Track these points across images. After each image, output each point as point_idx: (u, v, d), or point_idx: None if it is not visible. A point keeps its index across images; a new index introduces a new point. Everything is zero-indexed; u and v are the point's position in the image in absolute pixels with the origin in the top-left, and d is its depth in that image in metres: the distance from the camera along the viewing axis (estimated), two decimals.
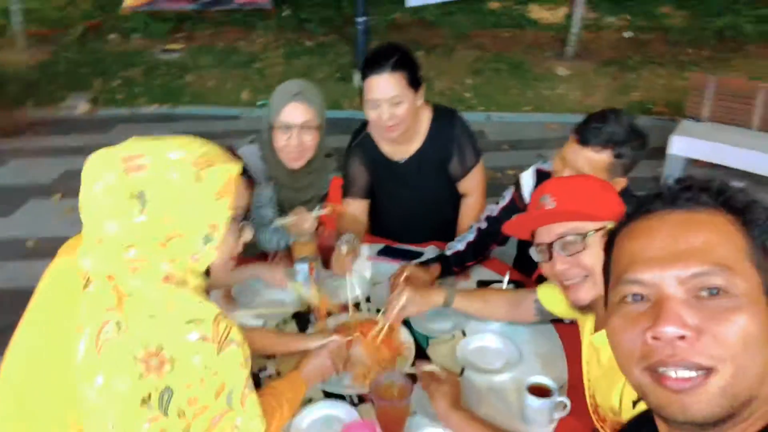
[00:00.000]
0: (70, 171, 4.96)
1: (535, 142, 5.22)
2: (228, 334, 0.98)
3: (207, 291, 1.10)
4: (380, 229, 2.20)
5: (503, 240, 2.00)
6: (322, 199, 2.15)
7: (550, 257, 1.30)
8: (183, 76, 6.96)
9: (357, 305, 1.78)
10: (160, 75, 6.99)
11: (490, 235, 1.98)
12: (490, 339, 1.64)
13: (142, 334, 0.93)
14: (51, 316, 1.05)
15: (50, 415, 1.00)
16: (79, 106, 6.35)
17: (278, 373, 1.51)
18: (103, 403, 0.93)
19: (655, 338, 0.67)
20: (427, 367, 1.42)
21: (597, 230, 1.26)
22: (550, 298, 1.55)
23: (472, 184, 2.13)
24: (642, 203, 0.77)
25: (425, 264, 1.92)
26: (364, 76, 1.88)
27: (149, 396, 0.93)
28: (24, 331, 1.07)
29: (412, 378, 1.42)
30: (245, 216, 1.12)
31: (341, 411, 1.41)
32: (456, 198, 2.20)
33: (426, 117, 2.04)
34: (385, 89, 1.84)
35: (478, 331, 1.68)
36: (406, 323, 1.70)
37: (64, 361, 0.97)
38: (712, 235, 0.70)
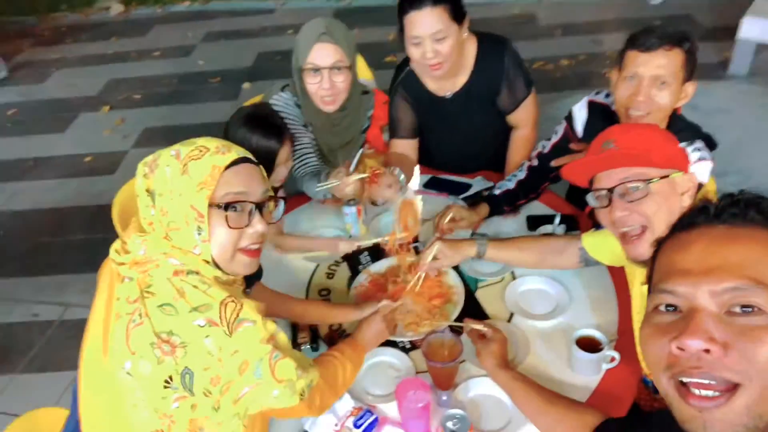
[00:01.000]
0: (114, 79, 5.00)
1: (591, 25, 4.85)
2: (237, 316, 1.03)
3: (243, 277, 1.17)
4: (428, 162, 2.16)
5: (556, 178, 1.93)
6: (363, 131, 2.11)
7: (609, 203, 1.26)
8: None
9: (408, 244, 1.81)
10: None
11: (543, 174, 1.92)
12: (540, 282, 1.65)
13: (155, 323, 1.01)
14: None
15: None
16: (113, 8, 6.22)
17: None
18: (134, 385, 1.04)
19: (680, 349, 0.68)
20: (475, 326, 1.45)
21: (661, 177, 1.21)
22: (597, 246, 1.52)
23: (523, 117, 2.03)
24: (687, 216, 0.77)
25: (473, 203, 1.90)
26: (403, 11, 1.74)
27: (171, 378, 1.01)
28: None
29: (461, 331, 1.47)
30: (260, 203, 1.11)
31: (394, 357, 1.48)
32: (507, 130, 2.11)
33: (472, 48, 1.91)
34: (427, 25, 1.72)
35: (528, 273, 1.68)
36: (456, 266, 1.72)
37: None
38: (753, 251, 0.69)
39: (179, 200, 1.04)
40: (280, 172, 1.69)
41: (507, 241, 1.66)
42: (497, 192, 1.90)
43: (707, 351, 0.66)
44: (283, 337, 1.12)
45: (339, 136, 2.01)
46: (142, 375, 1.02)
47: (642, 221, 1.23)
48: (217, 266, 1.10)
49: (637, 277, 1.37)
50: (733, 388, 0.66)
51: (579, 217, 1.86)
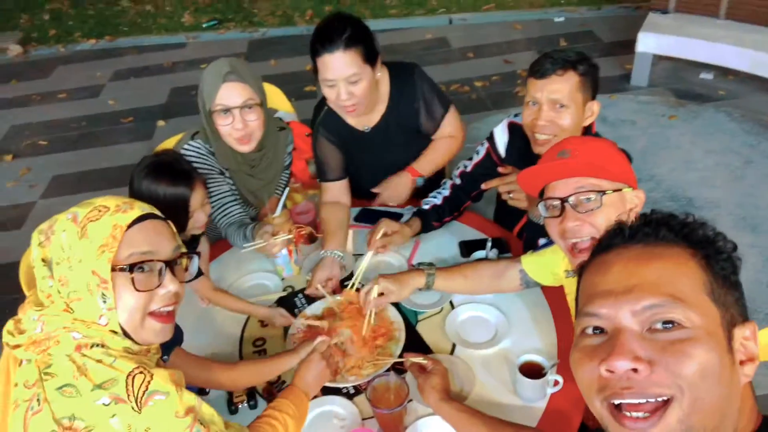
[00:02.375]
0: (17, 125, 4.70)
1: (501, 46, 5.03)
2: (147, 388, 0.94)
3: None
4: (357, 192, 2.13)
5: (477, 197, 1.98)
6: (286, 168, 2.06)
7: (561, 213, 1.27)
8: (117, 2, 6.44)
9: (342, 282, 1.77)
10: (91, 4, 6.45)
11: (465, 192, 1.95)
12: (479, 309, 1.65)
13: (55, 408, 0.91)
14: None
15: None
16: (10, 49, 5.87)
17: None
18: None
19: (609, 371, 0.69)
20: (414, 359, 1.43)
21: (614, 191, 1.24)
22: (536, 268, 1.55)
23: (448, 131, 2.05)
24: (605, 238, 0.80)
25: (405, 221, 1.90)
26: (316, 53, 1.72)
27: None
28: None
29: (405, 369, 1.44)
30: (170, 261, 1.04)
31: (338, 405, 1.42)
32: None
33: (385, 81, 1.91)
34: (339, 68, 1.70)
35: (466, 301, 1.68)
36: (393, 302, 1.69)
37: None
38: (667, 269, 0.72)
39: (79, 267, 0.95)
40: (199, 218, 1.61)
41: (451, 270, 1.66)
42: (426, 207, 1.91)
43: (635, 370, 0.67)
44: (207, 409, 1.03)
45: (259, 177, 1.94)
46: None
47: (593, 232, 1.25)
48: (126, 335, 1.00)
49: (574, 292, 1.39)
50: (663, 404, 0.67)
51: (509, 239, 1.88)
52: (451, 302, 1.69)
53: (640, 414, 0.68)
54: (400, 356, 1.48)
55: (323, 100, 1.93)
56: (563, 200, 1.26)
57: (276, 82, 2.75)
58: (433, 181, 2.10)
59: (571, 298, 1.47)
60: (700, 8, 4.10)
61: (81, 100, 4.99)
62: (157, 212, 1.07)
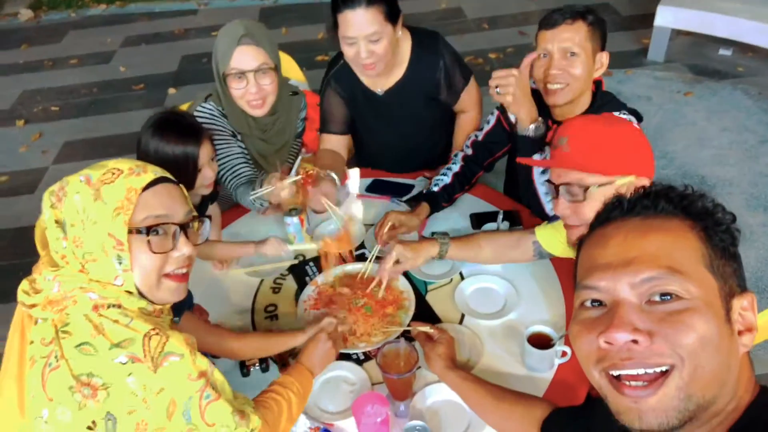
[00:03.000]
0: (29, 90, 4.70)
1: (516, 17, 4.95)
2: (162, 349, 0.96)
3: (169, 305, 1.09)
4: (368, 161, 2.13)
5: (490, 166, 1.97)
6: (298, 136, 2.06)
7: (556, 196, 1.32)
8: None
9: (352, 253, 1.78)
10: None
11: (477, 162, 1.94)
12: (488, 280, 1.66)
13: (73, 365, 0.94)
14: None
15: None
16: (21, 13, 5.85)
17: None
18: None
19: (608, 343, 0.70)
20: (421, 328, 1.45)
21: (600, 185, 1.25)
22: (549, 239, 1.55)
23: (466, 103, 2.04)
24: (602, 212, 0.80)
25: (413, 201, 1.89)
26: (337, 8, 1.70)
27: (94, 423, 0.93)
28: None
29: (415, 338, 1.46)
30: (183, 225, 1.05)
31: (348, 371, 1.45)
32: (449, 122, 2.11)
33: (406, 44, 1.89)
34: (360, 26, 1.68)
35: (476, 272, 1.69)
36: (404, 272, 1.70)
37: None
38: (666, 240, 0.72)
39: (94, 229, 0.97)
40: (206, 175, 1.60)
41: (466, 238, 1.67)
42: (435, 189, 1.89)
43: (635, 341, 0.68)
44: (219, 376, 1.05)
45: (271, 142, 1.94)
46: (61, 423, 0.93)
47: (583, 220, 1.27)
48: (141, 296, 1.02)
49: None
50: (663, 374, 0.68)
51: (520, 211, 1.88)
52: (461, 273, 1.70)
53: (639, 383, 0.69)
54: (409, 325, 1.49)
55: (340, 54, 1.90)
56: (556, 186, 1.31)
57: (287, 51, 2.73)
58: (443, 158, 2.08)
59: None
60: None
61: (92, 66, 4.98)
62: (170, 176, 1.08)
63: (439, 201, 1.88)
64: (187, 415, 0.98)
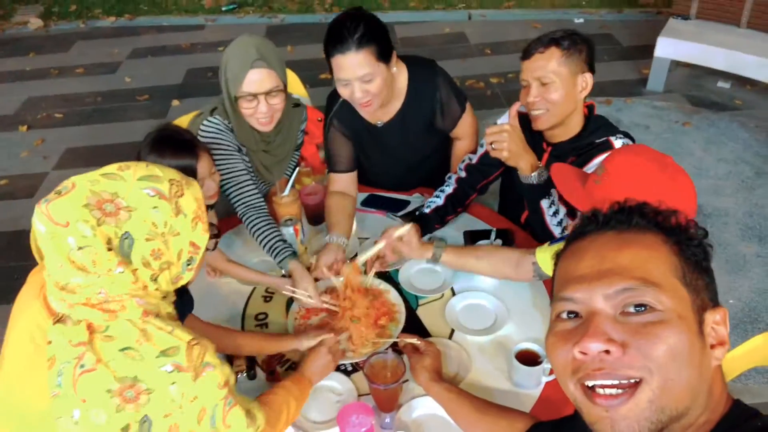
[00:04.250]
0: (34, 98, 4.74)
1: (519, 44, 5.01)
2: (203, 359, 1.00)
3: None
4: (366, 181, 2.14)
5: (483, 189, 1.99)
6: (297, 148, 2.08)
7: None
8: None
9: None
10: None
11: (470, 185, 1.95)
12: (479, 297, 1.66)
13: (115, 368, 0.94)
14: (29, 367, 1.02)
15: None
16: (31, 22, 5.92)
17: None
18: None
19: (582, 353, 0.71)
20: (409, 340, 1.46)
21: None
22: (549, 261, 1.54)
23: (462, 131, 2.05)
24: (579, 226, 0.81)
25: (407, 217, 1.91)
26: (329, 54, 1.72)
27: (128, 426, 0.95)
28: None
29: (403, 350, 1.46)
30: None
31: (335, 381, 1.45)
32: (445, 146, 2.13)
33: (403, 76, 1.90)
34: (352, 68, 1.69)
35: (467, 288, 1.70)
36: (396, 285, 1.71)
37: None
38: (640, 253, 0.73)
39: (175, 240, 1.02)
40: (209, 187, 1.62)
41: (463, 248, 1.69)
42: (427, 210, 1.90)
43: (607, 352, 0.69)
44: (233, 380, 1.09)
45: (273, 154, 1.96)
46: (93, 424, 0.94)
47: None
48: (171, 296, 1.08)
49: None
50: (634, 385, 0.69)
51: (514, 231, 1.89)
52: (452, 289, 1.70)
53: (612, 391, 0.69)
54: (397, 337, 1.50)
55: (337, 93, 1.91)
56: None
57: (292, 69, 2.75)
58: (440, 177, 2.10)
59: None
60: (722, 16, 4.08)
61: (98, 76, 5.03)
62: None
63: (431, 223, 1.89)
64: (213, 421, 1.02)
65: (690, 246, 0.75)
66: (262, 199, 1.85)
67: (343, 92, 1.79)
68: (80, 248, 0.93)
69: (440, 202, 1.92)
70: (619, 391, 0.69)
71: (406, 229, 1.66)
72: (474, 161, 1.95)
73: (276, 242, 1.74)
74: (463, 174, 1.96)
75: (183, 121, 2.30)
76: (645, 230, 0.75)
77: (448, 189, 1.94)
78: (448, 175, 2.00)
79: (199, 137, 1.77)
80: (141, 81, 4.89)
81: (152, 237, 0.99)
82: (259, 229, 1.77)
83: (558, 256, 0.83)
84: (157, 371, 0.95)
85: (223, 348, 1.44)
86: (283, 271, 1.73)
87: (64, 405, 0.95)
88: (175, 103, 4.52)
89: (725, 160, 3.54)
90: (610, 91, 4.21)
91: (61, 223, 0.93)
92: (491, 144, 1.65)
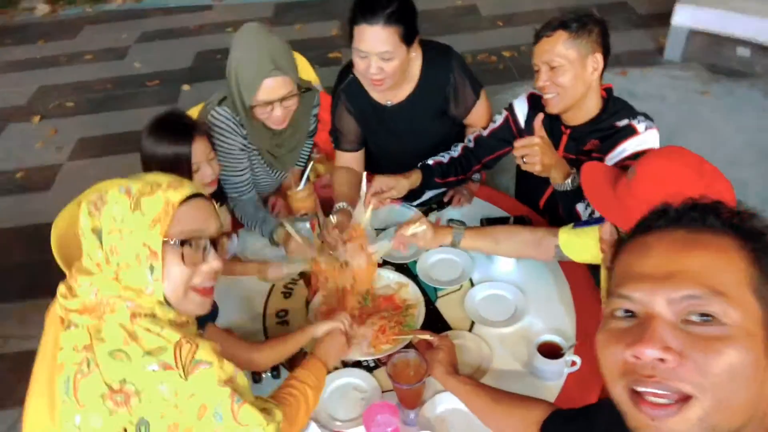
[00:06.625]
0: (45, 86, 4.75)
1: (531, 15, 4.90)
2: (193, 357, 0.99)
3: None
4: (376, 168, 2.12)
5: (489, 163, 1.98)
6: (311, 135, 2.06)
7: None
8: None
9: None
10: None
11: (476, 156, 1.96)
12: (498, 287, 1.66)
13: (104, 372, 0.96)
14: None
15: None
16: (38, 8, 5.90)
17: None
18: None
19: (635, 357, 0.67)
20: (422, 336, 1.47)
21: None
22: (572, 245, 1.54)
23: (475, 118, 2.03)
24: (646, 219, 0.75)
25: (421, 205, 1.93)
26: (354, 20, 1.69)
27: (125, 430, 0.96)
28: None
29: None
30: (214, 240, 1.09)
31: (358, 378, 1.46)
32: (458, 134, 2.10)
33: (417, 59, 1.87)
34: (375, 42, 1.67)
35: (486, 278, 1.69)
36: (414, 278, 1.71)
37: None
38: (712, 258, 0.67)
39: (130, 238, 1.00)
40: (205, 173, 1.63)
41: (484, 230, 1.69)
42: (430, 161, 1.93)
43: (662, 360, 0.65)
44: (243, 380, 1.08)
45: (284, 145, 1.94)
46: (93, 429, 0.96)
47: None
48: (170, 306, 1.05)
49: None
50: (685, 398, 0.65)
51: (531, 217, 1.88)
52: (471, 280, 1.70)
53: (662, 401, 0.66)
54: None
55: (349, 66, 1.89)
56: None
57: (300, 48, 2.72)
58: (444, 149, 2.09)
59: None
60: None
61: (107, 62, 5.01)
62: (204, 192, 1.12)
63: (433, 174, 1.91)
64: (219, 417, 1.01)
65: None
66: (254, 193, 1.92)
67: (359, 64, 1.77)
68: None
69: (444, 160, 1.94)
70: (669, 401, 0.65)
71: (422, 230, 1.65)
72: (485, 134, 1.95)
73: (264, 217, 1.83)
74: (471, 144, 1.97)
75: (194, 113, 2.29)
76: (720, 232, 0.69)
77: (454, 153, 1.97)
78: (455, 143, 2.00)
79: None
80: (150, 66, 4.86)
81: (111, 231, 1.01)
82: (247, 213, 1.86)
83: (619, 247, 0.77)
84: (144, 371, 0.96)
85: (248, 365, 1.42)
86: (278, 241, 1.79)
87: (68, 411, 0.98)
88: (186, 87, 4.50)
89: (744, 129, 3.46)
90: (626, 61, 4.11)
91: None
92: (522, 158, 1.63)
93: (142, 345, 0.97)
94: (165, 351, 0.98)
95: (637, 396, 0.68)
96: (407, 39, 1.72)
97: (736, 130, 3.45)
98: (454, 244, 1.68)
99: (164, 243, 1.01)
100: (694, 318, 0.65)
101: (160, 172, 1.10)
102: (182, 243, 1.02)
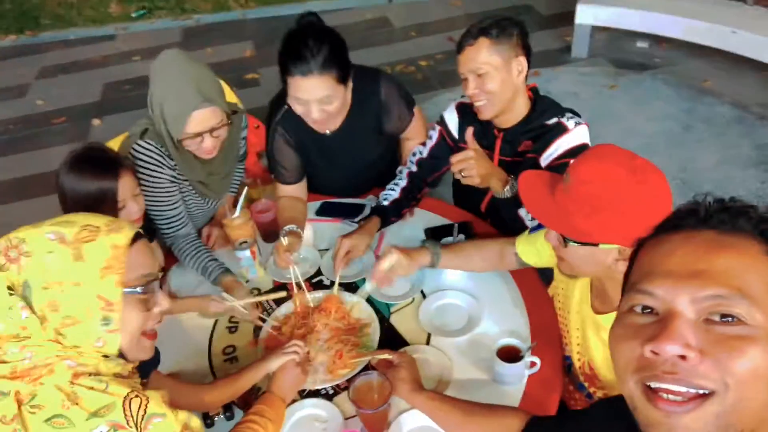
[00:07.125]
0: None
1: (443, 23, 5.01)
2: (146, 411, 0.92)
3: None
4: (316, 189, 2.08)
5: (434, 182, 1.99)
6: (241, 159, 1.98)
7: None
8: None
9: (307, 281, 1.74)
10: None
11: (422, 179, 1.96)
12: (450, 296, 1.65)
13: None
14: None
15: None
16: None
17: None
18: None
19: (654, 353, 0.66)
20: (380, 356, 1.43)
21: (580, 243, 1.22)
22: (529, 253, 1.56)
23: (412, 133, 2.04)
24: (674, 217, 0.74)
25: (363, 220, 1.88)
26: (287, 71, 1.64)
27: None
28: None
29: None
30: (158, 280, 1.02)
31: (318, 408, 1.40)
32: (393, 148, 2.10)
33: (348, 86, 1.84)
34: (313, 91, 1.64)
35: (436, 288, 1.68)
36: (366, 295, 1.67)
37: None
38: (739, 261, 0.67)
39: (76, 291, 0.90)
40: (131, 210, 1.54)
41: (455, 247, 1.67)
42: (385, 203, 1.89)
43: (683, 357, 0.64)
44: (197, 422, 1.01)
45: (216, 174, 1.85)
46: None
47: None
48: (118, 358, 0.97)
49: (575, 294, 1.41)
50: (704, 396, 0.64)
51: (473, 222, 1.89)
52: (422, 292, 1.68)
53: (678, 398, 0.65)
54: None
55: (281, 97, 1.84)
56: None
57: (215, 71, 2.62)
58: (391, 177, 2.06)
59: (562, 286, 1.48)
60: None
61: (7, 101, 4.69)
62: (141, 230, 1.03)
63: (388, 215, 1.88)
64: None
65: None
66: (191, 226, 1.81)
67: (298, 109, 1.73)
68: None
69: (396, 194, 1.91)
70: (684, 398, 0.65)
71: (394, 260, 1.59)
72: (425, 155, 1.94)
73: (207, 262, 1.73)
74: (414, 168, 1.95)
75: (114, 145, 2.15)
76: (748, 237, 0.69)
77: (402, 182, 1.94)
78: (399, 168, 1.99)
79: None
80: (55, 102, 4.59)
81: (48, 285, 0.90)
82: (188, 254, 1.76)
83: (640, 244, 0.77)
84: None
85: (199, 407, 1.35)
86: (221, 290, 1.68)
87: None
88: (96, 122, 4.27)
89: (653, 118, 3.66)
90: (537, 62, 4.22)
91: None
92: (460, 172, 1.63)
93: (84, 406, 0.88)
94: (113, 409, 0.89)
95: (651, 392, 0.67)
96: (343, 79, 1.69)
97: (646, 120, 3.65)
98: (433, 265, 1.64)
99: (123, 292, 0.93)
100: (716, 318, 0.65)
101: (83, 211, 1.01)
102: (143, 289, 0.96)
